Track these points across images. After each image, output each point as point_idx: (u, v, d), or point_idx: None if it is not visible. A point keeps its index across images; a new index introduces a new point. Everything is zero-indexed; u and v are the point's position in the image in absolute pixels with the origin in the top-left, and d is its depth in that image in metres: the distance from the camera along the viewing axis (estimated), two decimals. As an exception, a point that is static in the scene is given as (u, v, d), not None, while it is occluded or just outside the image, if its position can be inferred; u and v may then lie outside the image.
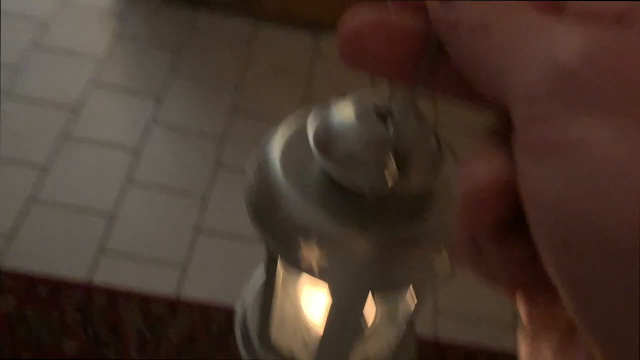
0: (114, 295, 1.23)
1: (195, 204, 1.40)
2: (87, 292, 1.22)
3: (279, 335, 0.36)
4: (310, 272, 0.26)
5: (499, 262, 0.15)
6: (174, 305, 1.24)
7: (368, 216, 0.27)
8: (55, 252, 1.27)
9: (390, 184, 0.26)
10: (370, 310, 0.35)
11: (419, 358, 0.36)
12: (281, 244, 0.26)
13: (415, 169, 0.27)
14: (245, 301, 0.37)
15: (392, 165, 0.26)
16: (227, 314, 1.21)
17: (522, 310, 0.16)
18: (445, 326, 1.30)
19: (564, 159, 0.11)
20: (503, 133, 0.14)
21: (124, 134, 1.49)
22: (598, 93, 0.11)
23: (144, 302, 1.23)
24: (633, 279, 0.10)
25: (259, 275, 0.38)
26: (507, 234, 0.14)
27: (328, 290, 0.30)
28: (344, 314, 0.30)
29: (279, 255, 0.26)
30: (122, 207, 1.36)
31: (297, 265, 0.26)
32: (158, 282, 1.26)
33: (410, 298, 0.33)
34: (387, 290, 0.28)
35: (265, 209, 0.27)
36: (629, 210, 0.10)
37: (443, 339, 1.28)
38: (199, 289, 1.27)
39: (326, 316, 0.30)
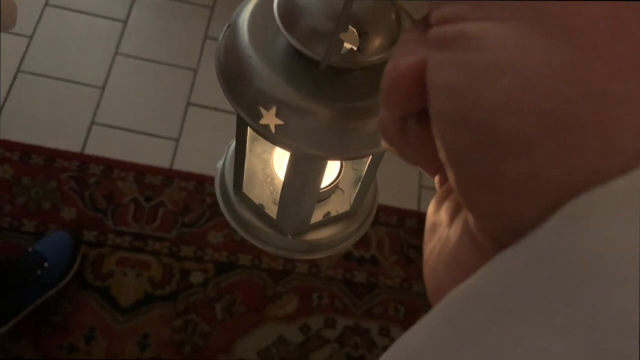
0: (108, 165, 1.27)
1: (186, 76, 1.39)
2: (82, 161, 1.26)
3: (250, 187, 0.39)
4: (268, 137, 0.28)
5: (422, 146, 0.17)
6: (169, 176, 1.28)
7: (326, 86, 0.28)
8: (47, 125, 1.29)
9: (346, 56, 0.27)
10: (331, 171, 0.38)
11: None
12: (244, 109, 0.28)
13: (372, 42, 0.28)
14: (226, 160, 0.40)
15: (349, 38, 0.27)
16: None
17: (437, 184, 0.20)
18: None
19: (460, 49, 0.14)
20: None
21: (111, 4, 1.45)
22: (499, 3, 0.13)
23: (139, 173, 1.28)
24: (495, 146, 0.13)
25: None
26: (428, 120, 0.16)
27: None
28: (298, 176, 0.32)
29: (244, 119, 0.28)
30: (111, 79, 1.36)
31: (257, 130, 0.28)
32: (151, 154, 1.30)
33: (370, 161, 0.35)
34: (340, 156, 0.30)
35: (232, 75, 0.29)
36: (499, 91, 0.13)
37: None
38: (192, 161, 1.31)
39: (285, 175, 0.33)
